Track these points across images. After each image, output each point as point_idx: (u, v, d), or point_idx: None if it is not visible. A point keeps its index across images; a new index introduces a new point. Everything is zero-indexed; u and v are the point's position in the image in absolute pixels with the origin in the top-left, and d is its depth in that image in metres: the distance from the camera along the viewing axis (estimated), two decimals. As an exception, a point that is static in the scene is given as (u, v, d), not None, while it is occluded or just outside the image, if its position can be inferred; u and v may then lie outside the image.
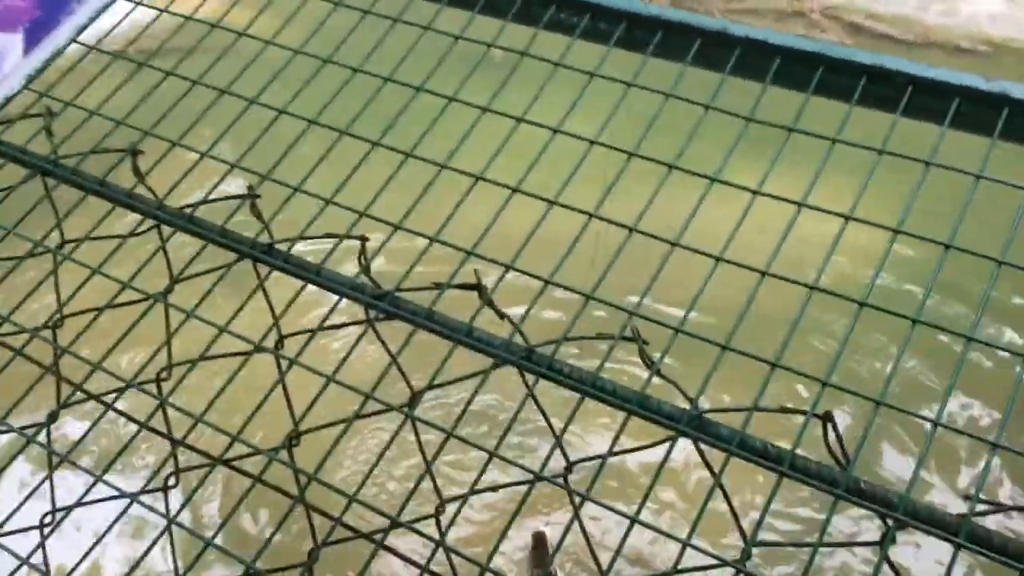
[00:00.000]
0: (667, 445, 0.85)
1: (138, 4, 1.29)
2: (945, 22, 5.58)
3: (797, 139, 1.00)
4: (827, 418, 0.84)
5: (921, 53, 5.48)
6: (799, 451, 0.82)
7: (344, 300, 1.00)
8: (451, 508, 0.88)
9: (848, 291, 0.90)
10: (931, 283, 0.88)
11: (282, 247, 1.04)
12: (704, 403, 0.87)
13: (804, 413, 0.84)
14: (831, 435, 0.83)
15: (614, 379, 0.90)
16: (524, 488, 0.86)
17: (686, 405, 0.87)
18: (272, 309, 1.01)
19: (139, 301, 1.03)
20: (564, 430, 0.88)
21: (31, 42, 1.24)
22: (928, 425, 0.81)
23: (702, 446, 0.85)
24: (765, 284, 0.93)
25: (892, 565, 0.77)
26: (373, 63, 1.18)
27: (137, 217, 1.11)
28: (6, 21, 1.26)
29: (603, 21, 1.12)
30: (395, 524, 0.85)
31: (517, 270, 0.98)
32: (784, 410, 0.86)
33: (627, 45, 1.11)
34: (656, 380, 0.89)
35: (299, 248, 1.05)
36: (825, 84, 1.02)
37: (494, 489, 0.92)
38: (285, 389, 0.97)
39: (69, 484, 1.00)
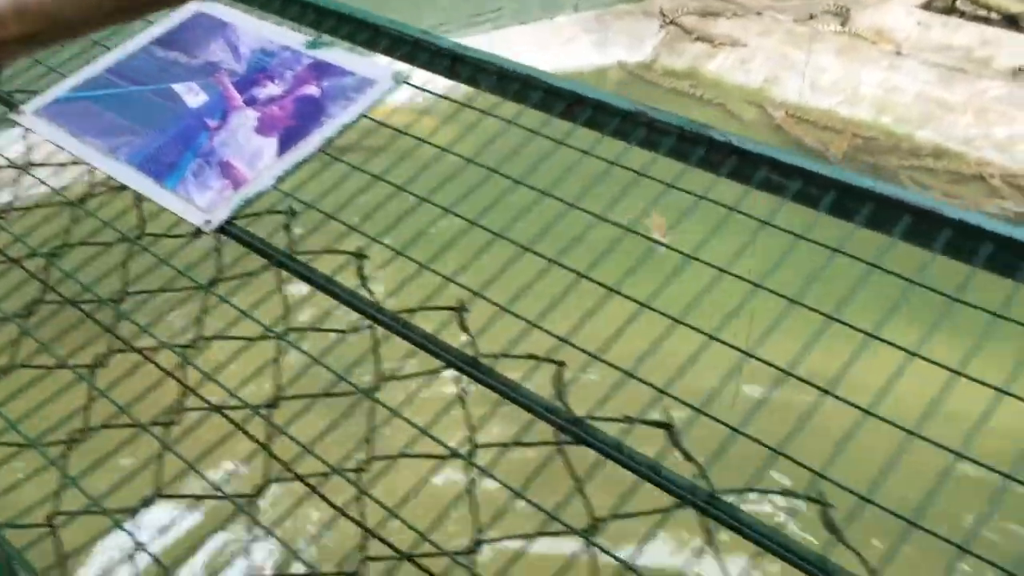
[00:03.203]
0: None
1: (381, 125, 1.43)
2: None
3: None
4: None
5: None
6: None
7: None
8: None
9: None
10: None
11: (486, 362, 1.12)
12: None
13: (992, 603, 0.84)
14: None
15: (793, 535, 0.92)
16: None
17: None
18: (469, 419, 1.08)
19: (349, 393, 1.11)
20: (742, 580, 0.90)
21: (284, 147, 1.39)
22: None
23: (882, 619, 0.85)
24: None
25: None
26: (591, 200, 1.27)
27: (359, 315, 1.21)
28: (266, 127, 1.42)
29: (815, 187, 1.17)
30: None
31: (705, 414, 1.01)
32: (970, 596, 0.86)
33: (837, 213, 1.16)
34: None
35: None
36: None
37: (667, 627, 0.94)
38: (474, 499, 1.03)
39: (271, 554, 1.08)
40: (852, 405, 0.99)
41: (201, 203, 1.33)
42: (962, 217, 1.07)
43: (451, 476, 1.06)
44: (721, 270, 1.15)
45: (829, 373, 1.03)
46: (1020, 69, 6.53)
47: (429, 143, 1.40)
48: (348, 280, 1.24)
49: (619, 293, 1.15)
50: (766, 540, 0.92)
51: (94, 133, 1.45)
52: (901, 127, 6.41)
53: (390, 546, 1.01)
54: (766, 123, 6.54)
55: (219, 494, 1.05)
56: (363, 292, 1.22)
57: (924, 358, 1.02)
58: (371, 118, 1.43)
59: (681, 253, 1.17)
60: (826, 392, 1.01)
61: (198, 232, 1.31)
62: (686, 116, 1.30)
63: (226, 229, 1.31)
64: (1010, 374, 0.98)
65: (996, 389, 0.98)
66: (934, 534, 0.90)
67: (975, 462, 0.92)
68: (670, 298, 1.13)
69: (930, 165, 6.08)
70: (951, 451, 0.94)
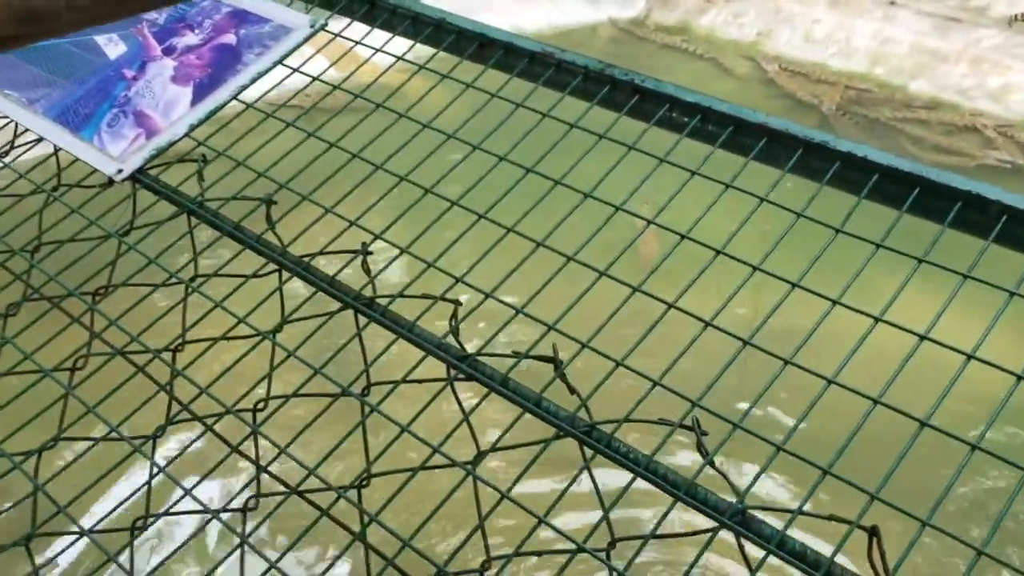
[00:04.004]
0: (709, 535, 0.87)
1: (295, 71, 1.43)
2: None
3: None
4: (873, 532, 0.84)
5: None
6: (839, 560, 0.83)
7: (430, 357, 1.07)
8: (496, 565, 0.92)
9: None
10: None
11: (382, 302, 1.12)
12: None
13: (850, 523, 0.84)
14: (875, 549, 0.83)
15: (670, 464, 0.93)
16: (567, 556, 0.89)
17: (734, 499, 0.89)
18: (365, 357, 1.09)
19: (251, 336, 1.12)
20: (612, 506, 0.91)
21: (198, 96, 1.39)
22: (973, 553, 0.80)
23: (743, 542, 0.86)
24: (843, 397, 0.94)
25: None
26: (495, 142, 1.26)
27: (262, 260, 1.22)
28: (182, 77, 1.42)
29: (712, 124, 1.17)
30: (441, 574, 0.90)
31: (592, 348, 1.02)
32: (831, 517, 0.86)
33: (732, 148, 1.15)
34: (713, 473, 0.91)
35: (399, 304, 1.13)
36: (919, 204, 1.03)
37: (538, 554, 0.95)
38: (364, 433, 1.04)
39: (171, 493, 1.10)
40: (732, 336, 1.00)
41: (114, 153, 1.34)
42: (851, 150, 1.07)
43: (346, 414, 1.07)
44: (617, 208, 1.15)
45: (713, 308, 1.04)
46: (1016, 17, 6.44)
47: (345, 90, 1.40)
48: (256, 226, 1.25)
49: (518, 233, 1.15)
50: (640, 467, 0.93)
51: (14, 86, 1.46)
52: (895, 78, 6.33)
53: (280, 481, 1.02)
54: (759, 77, 6.47)
55: (115, 436, 1.07)
56: (270, 237, 1.23)
57: (805, 288, 1.02)
58: (324, 81, 1.43)
59: (578, 191, 1.17)
60: (707, 324, 1.01)
61: (110, 182, 1.32)
62: (599, 59, 1.29)
63: (138, 178, 1.32)
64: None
65: (872, 317, 0.98)
66: (801, 458, 0.91)
67: (844, 387, 0.93)
68: (564, 237, 1.13)
69: (923, 117, 6.00)
70: (824, 377, 0.95)
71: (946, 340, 0.95)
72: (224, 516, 1.00)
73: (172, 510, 1.02)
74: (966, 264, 1.00)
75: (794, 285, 1.03)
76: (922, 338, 0.95)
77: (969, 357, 0.92)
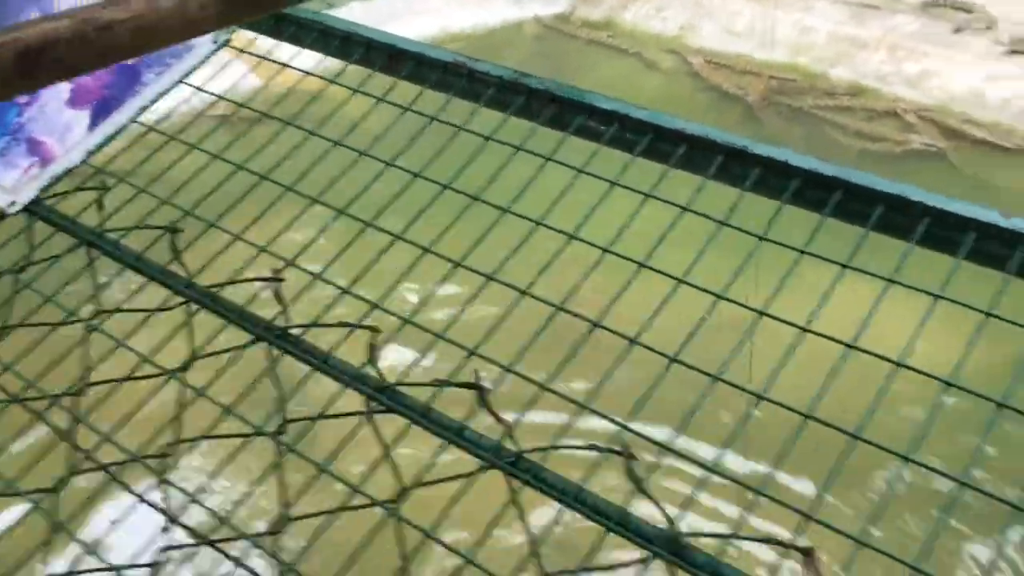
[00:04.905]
0: (641, 565, 0.84)
1: (198, 90, 1.36)
2: (1047, 130, 5.44)
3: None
4: (808, 553, 0.82)
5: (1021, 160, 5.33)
6: (775, 586, 0.80)
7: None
8: (424, 610, 0.88)
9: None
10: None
11: (297, 332, 1.07)
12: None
13: (786, 546, 0.82)
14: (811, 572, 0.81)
15: (602, 493, 0.90)
16: (497, 596, 0.85)
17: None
18: (281, 393, 1.04)
19: (157, 375, 1.06)
20: (542, 542, 0.87)
21: (96, 119, 1.32)
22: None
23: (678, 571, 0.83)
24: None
25: None
26: (410, 158, 1.22)
27: (169, 292, 1.15)
28: (78, 99, 1.34)
29: (630, 132, 1.14)
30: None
31: (516, 373, 0.98)
32: (766, 540, 0.84)
33: (651, 156, 1.13)
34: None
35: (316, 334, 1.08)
36: (842, 208, 1.02)
37: (466, 595, 0.91)
38: (281, 475, 0.99)
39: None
40: (658, 353, 0.97)
41: (6, 184, 1.26)
42: (771, 155, 1.05)
43: (260, 453, 1.02)
44: (536, 223, 1.11)
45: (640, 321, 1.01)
46: (931, 3, 6.58)
47: (250, 108, 1.34)
48: (161, 256, 1.18)
49: (435, 254, 1.11)
50: (568, 497, 0.89)
51: None
52: (816, 67, 6.41)
53: (191, 531, 0.96)
54: (685, 70, 6.51)
55: (9, 491, 1.00)
56: (176, 268, 1.17)
57: (766, 313, 0.99)
58: (230, 99, 1.36)
59: (496, 207, 1.13)
60: (632, 342, 0.98)
61: (2, 215, 1.24)
62: (513, 68, 1.26)
63: (34, 210, 1.24)
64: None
65: (844, 343, 0.96)
66: (735, 480, 0.88)
67: (774, 401, 0.91)
68: (485, 253, 1.09)
69: (845, 104, 6.09)
70: (754, 393, 0.92)
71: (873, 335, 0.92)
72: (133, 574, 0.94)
73: (75, 571, 0.96)
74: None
75: (762, 314, 1.00)
76: (898, 365, 0.91)
77: (947, 384, 0.89)
